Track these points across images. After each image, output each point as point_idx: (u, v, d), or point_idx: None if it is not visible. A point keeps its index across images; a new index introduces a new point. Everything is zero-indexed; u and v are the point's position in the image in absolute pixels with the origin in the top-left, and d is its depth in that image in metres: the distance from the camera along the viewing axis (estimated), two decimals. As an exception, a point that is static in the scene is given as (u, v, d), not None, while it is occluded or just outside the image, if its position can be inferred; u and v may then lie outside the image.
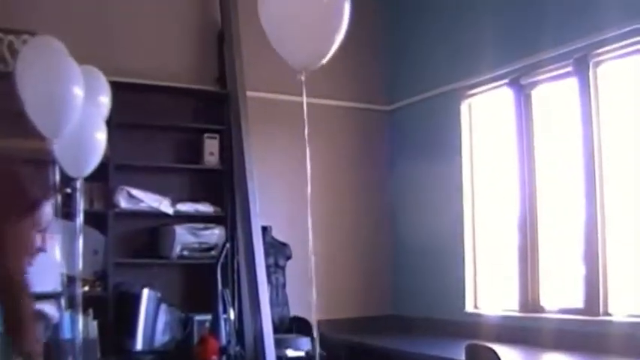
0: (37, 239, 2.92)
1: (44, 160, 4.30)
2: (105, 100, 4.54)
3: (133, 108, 5.58)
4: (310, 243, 3.34)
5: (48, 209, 3.01)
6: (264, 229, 5.84)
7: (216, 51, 6.35)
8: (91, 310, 5.17)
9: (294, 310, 6.01)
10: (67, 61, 4.15)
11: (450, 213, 6.16)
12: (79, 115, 4.14)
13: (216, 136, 6.04)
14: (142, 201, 5.60)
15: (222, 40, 6.31)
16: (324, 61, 3.30)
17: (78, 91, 4.11)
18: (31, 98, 4.01)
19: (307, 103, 5.87)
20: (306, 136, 3.51)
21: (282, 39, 3.29)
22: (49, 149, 4.25)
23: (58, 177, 4.41)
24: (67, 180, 4.56)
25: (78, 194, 4.68)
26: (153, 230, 5.83)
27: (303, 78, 3.31)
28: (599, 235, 4.90)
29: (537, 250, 5.47)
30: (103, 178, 5.30)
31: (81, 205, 4.69)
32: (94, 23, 5.83)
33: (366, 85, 6.92)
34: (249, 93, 6.14)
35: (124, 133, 5.50)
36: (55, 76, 4.09)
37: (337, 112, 6.74)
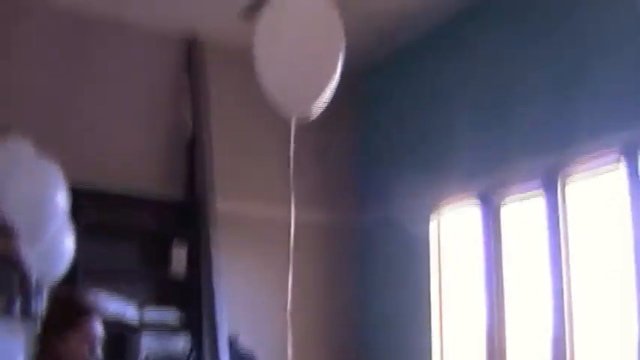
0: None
1: (10, 259, 4.26)
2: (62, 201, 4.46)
3: (98, 213, 5.57)
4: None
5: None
6: (231, 340, 5.76)
7: (187, 158, 6.37)
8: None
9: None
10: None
11: (418, 329, 6.10)
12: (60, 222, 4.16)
13: (184, 243, 6.00)
14: (107, 306, 5.51)
15: (192, 149, 6.35)
16: (315, 108, 3.36)
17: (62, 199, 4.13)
18: (16, 203, 4.02)
19: (269, 214, 5.96)
20: (291, 250, 3.41)
21: (276, 83, 3.30)
22: (16, 248, 4.23)
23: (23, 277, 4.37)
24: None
25: (43, 300, 4.63)
26: (117, 337, 5.67)
27: (293, 125, 3.35)
28: (568, 351, 4.89)
29: (505, 366, 5.44)
30: (69, 281, 5.21)
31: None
32: (63, 125, 5.86)
33: (333, 199, 6.95)
34: (218, 202, 6.16)
35: (89, 238, 5.44)
36: (42, 183, 4.12)
37: (306, 223, 6.69)
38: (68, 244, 4.46)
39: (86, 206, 4.80)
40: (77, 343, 3.02)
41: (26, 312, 5.01)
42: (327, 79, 3.32)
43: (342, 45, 3.37)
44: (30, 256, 4.25)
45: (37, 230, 4.17)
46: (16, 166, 4.21)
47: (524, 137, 5.34)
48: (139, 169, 6.14)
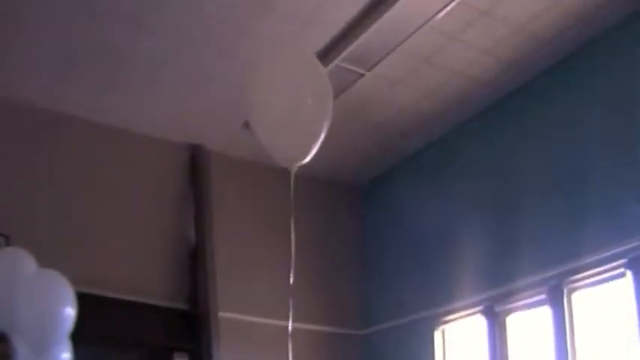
0: None
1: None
2: (70, 313, 4.38)
3: (99, 321, 5.49)
4: None
5: None
6: None
7: (189, 269, 6.33)
8: None
9: None
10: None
11: None
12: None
13: (186, 354, 5.92)
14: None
15: (194, 258, 6.33)
16: (309, 157, 3.45)
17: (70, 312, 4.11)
18: (19, 318, 4.00)
19: (275, 325, 5.91)
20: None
21: (270, 134, 3.41)
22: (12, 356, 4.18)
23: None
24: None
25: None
26: None
27: (293, 172, 3.46)
28: None
29: None
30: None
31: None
32: (66, 233, 5.84)
33: (338, 310, 6.90)
34: (220, 313, 6.10)
35: (90, 346, 5.35)
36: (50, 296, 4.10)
37: (310, 335, 6.67)
38: (65, 356, 4.38)
39: (86, 314, 4.73)
40: None
41: None
42: (320, 128, 3.41)
43: (330, 96, 3.46)
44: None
45: (43, 344, 4.11)
46: (18, 280, 4.19)
47: (530, 248, 5.35)
48: (141, 277, 6.09)
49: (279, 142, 3.42)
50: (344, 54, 5.30)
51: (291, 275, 3.47)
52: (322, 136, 3.42)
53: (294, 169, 3.49)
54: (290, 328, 3.43)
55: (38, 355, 4.10)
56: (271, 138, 3.41)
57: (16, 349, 4.15)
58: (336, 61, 5.37)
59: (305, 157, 3.44)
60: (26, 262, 4.35)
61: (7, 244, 5.32)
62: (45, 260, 4.42)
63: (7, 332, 4.17)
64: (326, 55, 5.35)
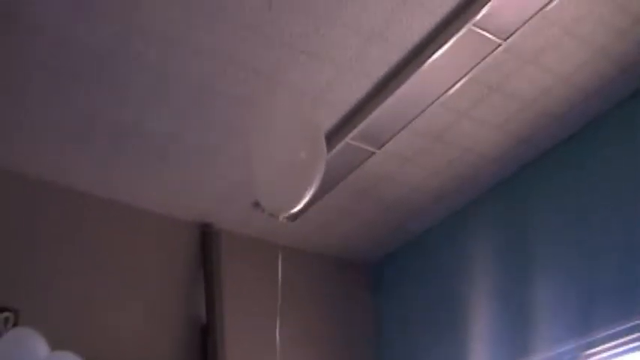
0: None
1: None
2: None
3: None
4: None
5: None
6: None
7: (200, 346, 6.26)
8: None
9: None
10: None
11: None
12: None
13: None
14: None
15: (205, 336, 6.27)
16: (299, 207, 3.58)
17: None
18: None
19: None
20: None
21: (262, 184, 3.61)
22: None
23: None
24: None
25: None
26: None
27: (282, 220, 3.59)
28: None
29: None
30: None
31: None
32: (75, 309, 5.77)
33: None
34: (232, 393, 6.05)
35: None
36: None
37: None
38: None
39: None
40: None
41: None
42: (309, 183, 3.55)
43: (323, 156, 3.64)
44: None
45: None
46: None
47: (543, 324, 5.31)
48: (152, 355, 6.03)
49: (270, 191, 3.59)
50: (354, 132, 5.36)
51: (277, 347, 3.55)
52: (311, 190, 3.56)
53: (282, 218, 3.61)
54: None
55: None
56: (263, 187, 3.61)
57: None
58: (347, 139, 5.43)
59: (295, 205, 3.56)
60: (38, 344, 4.32)
61: (17, 320, 5.28)
62: (54, 339, 4.39)
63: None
64: (336, 133, 5.42)
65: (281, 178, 3.51)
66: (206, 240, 6.58)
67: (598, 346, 4.90)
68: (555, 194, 5.49)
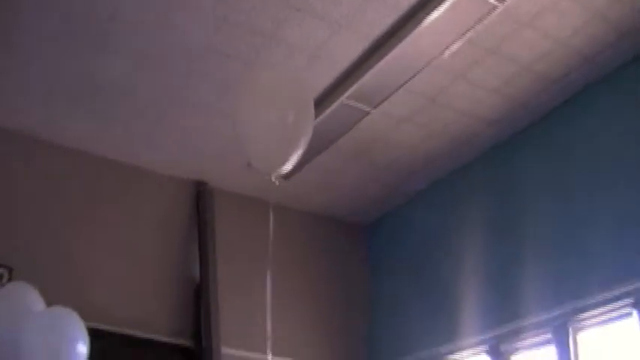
0: None
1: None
2: (84, 351, 4.30)
3: (102, 356, 5.42)
4: None
5: None
6: None
7: (193, 304, 6.31)
8: None
9: None
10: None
11: None
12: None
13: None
14: None
15: (199, 294, 6.30)
16: (289, 166, 3.68)
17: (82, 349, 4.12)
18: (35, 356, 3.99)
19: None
20: None
21: (252, 144, 3.70)
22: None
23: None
24: None
25: None
26: None
27: (275, 179, 3.68)
28: None
29: None
30: None
31: None
32: (70, 266, 5.82)
33: (343, 347, 6.84)
34: (224, 349, 6.08)
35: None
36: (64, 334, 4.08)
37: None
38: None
39: (89, 349, 4.71)
40: None
41: None
42: (297, 145, 3.65)
43: (311, 119, 3.73)
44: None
45: None
46: (28, 317, 4.16)
47: (535, 288, 5.34)
48: (145, 312, 6.06)
49: (259, 151, 3.68)
50: (349, 91, 5.33)
51: (268, 305, 3.60)
52: (299, 151, 3.67)
53: (274, 177, 3.67)
54: None
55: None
56: (254, 147, 3.69)
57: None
58: (342, 99, 5.40)
59: (282, 165, 3.64)
60: (34, 299, 4.34)
61: (10, 276, 5.31)
62: (48, 295, 4.41)
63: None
64: (331, 92, 5.40)
65: (269, 139, 3.54)
66: (200, 198, 6.59)
67: (587, 311, 4.92)
68: (551, 159, 5.48)
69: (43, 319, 4.19)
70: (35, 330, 4.07)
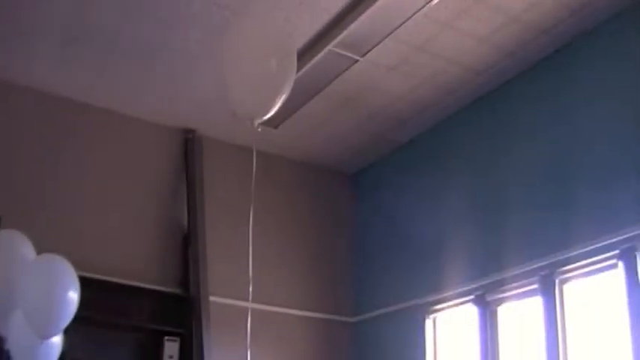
0: None
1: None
2: (75, 297, 4.30)
3: (92, 304, 5.46)
4: None
5: None
6: None
7: (181, 253, 6.32)
8: None
9: None
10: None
11: None
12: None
13: (177, 339, 5.92)
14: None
15: (187, 243, 6.32)
16: (271, 113, 3.66)
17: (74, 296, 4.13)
18: (27, 302, 4.00)
19: (265, 311, 5.93)
20: (248, 341, 3.60)
21: (234, 86, 3.69)
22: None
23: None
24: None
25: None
26: None
27: (257, 127, 3.67)
28: None
29: None
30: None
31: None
32: (59, 215, 5.84)
33: (330, 296, 6.90)
34: (211, 297, 6.10)
35: (82, 328, 5.34)
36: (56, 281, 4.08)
37: (298, 322, 6.68)
38: (56, 339, 4.37)
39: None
40: None
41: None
42: (279, 93, 3.63)
43: (293, 68, 3.69)
44: (20, 349, 4.17)
45: (47, 330, 4.10)
46: (20, 264, 4.16)
47: (521, 239, 5.34)
48: (132, 260, 6.09)
49: (243, 98, 3.67)
50: (337, 39, 5.26)
51: (250, 251, 3.65)
52: (282, 97, 3.63)
53: (255, 125, 3.67)
54: (250, 308, 3.55)
55: (40, 340, 4.09)
56: (236, 94, 3.68)
57: (12, 334, 4.15)
58: (330, 47, 5.34)
59: (264, 112, 3.63)
60: (26, 247, 4.34)
61: (-1, 224, 5.31)
62: (37, 243, 4.40)
63: (6, 315, 4.15)
64: (319, 40, 5.34)
65: (251, 87, 3.56)
66: (189, 146, 6.56)
67: (573, 263, 4.92)
68: (538, 109, 5.43)
69: (35, 267, 4.20)
70: (28, 277, 4.08)
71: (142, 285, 6.02)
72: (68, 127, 6.10)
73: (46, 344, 4.22)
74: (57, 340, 4.35)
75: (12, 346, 4.17)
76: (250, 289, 3.80)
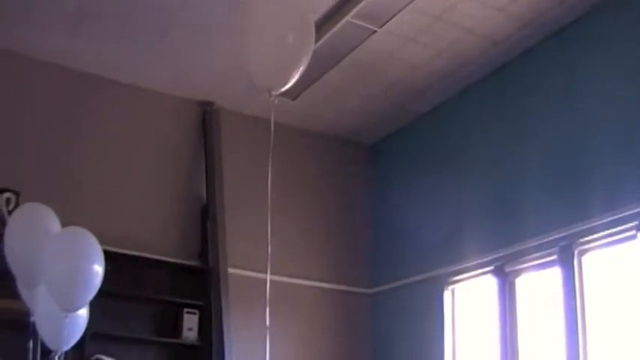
0: None
1: (23, 323, 4.24)
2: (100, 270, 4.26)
3: (111, 276, 5.49)
4: None
5: None
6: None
7: (200, 225, 6.35)
8: None
9: None
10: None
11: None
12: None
13: (196, 311, 5.95)
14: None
15: (205, 215, 6.34)
16: (290, 84, 3.65)
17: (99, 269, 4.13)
18: (53, 275, 4.01)
19: (283, 283, 5.94)
20: (267, 312, 3.72)
21: (253, 58, 3.68)
22: (27, 313, 4.21)
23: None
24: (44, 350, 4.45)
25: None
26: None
27: (274, 98, 3.64)
28: None
29: None
30: (76, 345, 5.14)
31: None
32: (77, 189, 5.87)
33: (348, 268, 6.91)
34: (230, 269, 6.12)
35: (102, 301, 5.37)
36: (81, 253, 4.10)
37: (316, 294, 6.71)
38: (83, 312, 4.39)
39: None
40: None
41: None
42: (297, 64, 3.61)
43: (311, 39, 3.67)
44: (46, 323, 4.20)
45: (72, 302, 4.12)
46: (45, 236, 4.18)
47: (540, 210, 5.31)
48: (151, 233, 6.12)
49: (261, 69, 3.64)
50: (355, 10, 5.25)
51: (269, 222, 3.63)
52: (300, 69, 3.61)
53: (273, 97, 3.65)
54: (268, 280, 3.74)
55: (65, 313, 4.11)
56: (255, 66, 3.65)
57: (37, 307, 4.17)
58: (348, 17, 5.33)
59: (283, 84, 3.63)
60: (51, 219, 4.35)
61: (18, 200, 5.32)
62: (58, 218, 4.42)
63: (31, 288, 4.18)
64: (337, 11, 5.32)
65: (270, 58, 3.56)
66: (207, 118, 6.56)
67: (592, 234, 4.89)
68: (557, 79, 5.39)
69: (60, 239, 4.22)
70: (53, 249, 4.10)
71: (161, 257, 6.05)
72: (86, 101, 6.12)
73: (72, 317, 4.24)
74: (83, 313, 4.36)
75: (38, 319, 4.19)
76: (269, 260, 3.78)
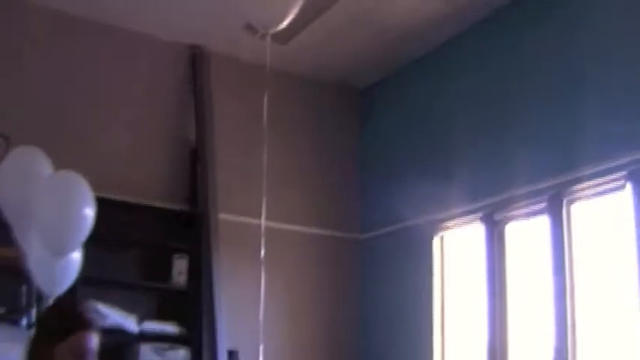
0: None
1: (17, 269, 4.25)
2: (91, 214, 4.31)
3: (98, 221, 5.49)
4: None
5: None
6: (231, 354, 5.71)
7: (189, 169, 6.33)
8: None
9: None
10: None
11: (421, 346, 6.06)
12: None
13: (186, 255, 5.96)
14: (106, 317, 5.44)
15: (195, 159, 6.32)
16: (286, 22, 3.75)
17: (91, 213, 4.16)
18: (44, 218, 4.01)
19: (273, 228, 5.96)
20: (262, 257, 3.67)
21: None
22: (22, 259, 4.21)
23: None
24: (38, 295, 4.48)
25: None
26: (117, 348, 5.59)
27: (268, 38, 3.62)
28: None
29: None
30: (69, 290, 5.16)
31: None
32: (64, 133, 5.83)
33: (337, 213, 6.93)
34: (220, 214, 6.13)
35: (91, 246, 5.39)
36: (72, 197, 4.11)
37: (306, 239, 6.73)
38: (76, 256, 4.40)
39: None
40: (66, 357, 2.89)
41: (30, 323, 4.97)
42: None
43: None
44: (39, 267, 4.21)
45: (63, 246, 4.13)
46: (37, 180, 4.17)
47: (530, 158, 5.32)
48: (140, 177, 6.10)
49: (257, 7, 3.76)
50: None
51: (264, 167, 3.67)
52: (296, 7, 3.71)
53: (268, 37, 3.60)
54: (263, 226, 3.58)
55: (56, 257, 4.12)
56: (251, 3, 3.77)
57: (30, 252, 4.18)
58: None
59: (279, 22, 3.69)
60: (42, 163, 4.33)
61: (8, 145, 5.29)
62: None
63: (23, 233, 4.18)
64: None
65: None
66: (196, 62, 6.50)
67: (581, 183, 4.92)
68: (549, 26, 5.34)
69: (52, 182, 4.21)
70: (45, 192, 4.10)
71: (151, 202, 6.03)
72: (73, 44, 6.05)
73: (65, 261, 4.25)
74: (76, 257, 4.37)
75: (31, 263, 4.20)
76: (263, 205, 3.79)
